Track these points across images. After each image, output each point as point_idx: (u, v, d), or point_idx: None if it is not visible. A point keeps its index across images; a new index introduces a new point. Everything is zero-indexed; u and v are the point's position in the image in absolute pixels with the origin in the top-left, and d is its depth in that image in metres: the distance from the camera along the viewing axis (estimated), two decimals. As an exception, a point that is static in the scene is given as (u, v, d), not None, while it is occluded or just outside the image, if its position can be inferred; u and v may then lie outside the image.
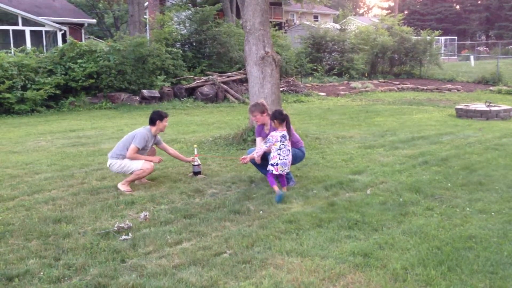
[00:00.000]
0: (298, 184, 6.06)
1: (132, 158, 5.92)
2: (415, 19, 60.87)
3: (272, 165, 5.57)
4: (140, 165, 5.91)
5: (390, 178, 6.35)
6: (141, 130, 6.11)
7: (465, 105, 13.49)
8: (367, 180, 6.22)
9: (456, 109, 13.22)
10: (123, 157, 5.97)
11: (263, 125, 6.26)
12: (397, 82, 23.81)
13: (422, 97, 19.01)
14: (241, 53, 19.06)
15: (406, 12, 59.58)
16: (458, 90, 21.97)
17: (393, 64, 27.44)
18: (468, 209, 5.02)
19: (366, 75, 25.88)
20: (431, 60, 27.16)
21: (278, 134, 5.59)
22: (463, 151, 8.12)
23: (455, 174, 6.50)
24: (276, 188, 5.47)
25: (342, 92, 20.35)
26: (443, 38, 40.94)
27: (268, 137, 5.67)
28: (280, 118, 5.60)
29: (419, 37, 27.30)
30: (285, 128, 5.63)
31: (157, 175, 6.60)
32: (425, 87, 22.34)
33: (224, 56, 20.29)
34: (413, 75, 26.98)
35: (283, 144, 5.57)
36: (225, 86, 17.78)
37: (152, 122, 6.13)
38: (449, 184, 6.01)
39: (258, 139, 6.28)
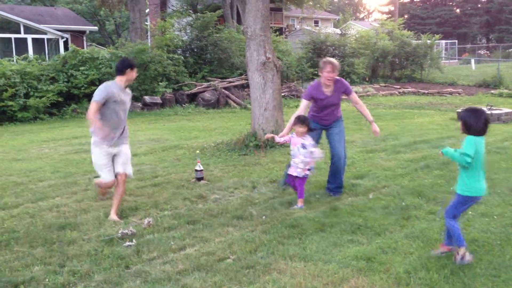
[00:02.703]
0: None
1: (90, 119, 4.80)
2: (415, 23, 60.94)
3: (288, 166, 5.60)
4: (102, 173, 5.10)
5: (392, 182, 6.37)
6: (104, 83, 5.09)
7: (466, 109, 13.49)
8: (369, 185, 6.24)
9: (458, 112, 13.23)
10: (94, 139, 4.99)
11: (322, 85, 5.70)
12: (398, 86, 23.83)
13: (423, 101, 19.03)
14: (242, 58, 19.12)
15: (406, 16, 59.71)
16: (459, 93, 21.98)
17: (394, 68, 27.50)
18: (470, 212, 5.03)
19: (367, 79, 25.92)
20: (432, 64, 27.21)
21: (303, 141, 5.37)
22: (464, 154, 8.12)
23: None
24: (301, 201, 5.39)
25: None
26: (443, 41, 40.98)
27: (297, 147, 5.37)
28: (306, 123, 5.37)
29: (420, 41, 27.36)
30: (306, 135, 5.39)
31: (160, 181, 6.63)
32: (426, 91, 22.36)
33: (225, 62, 20.36)
34: (414, 79, 27.02)
35: (304, 148, 5.34)
36: (226, 92, 17.83)
37: (121, 71, 5.02)
38: (451, 188, 6.01)
39: (305, 103, 5.76)
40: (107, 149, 4.98)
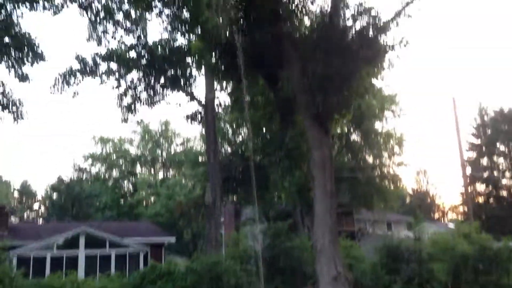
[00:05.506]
0: None
1: None
2: (494, 223, 58.69)
3: None
4: None
5: None
6: None
7: None
8: None
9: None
10: None
11: None
12: (486, 294, 22.05)
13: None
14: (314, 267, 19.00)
15: (483, 217, 57.97)
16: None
17: (477, 273, 25.79)
18: None
19: (450, 286, 24.32)
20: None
21: None
22: None
23: None
24: None
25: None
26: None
27: None
28: None
29: (500, 244, 26.07)
30: None
31: None
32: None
33: (297, 271, 20.23)
34: (502, 286, 24.94)
35: None
36: (299, 304, 17.34)
37: None
38: None
39: None
40: None
